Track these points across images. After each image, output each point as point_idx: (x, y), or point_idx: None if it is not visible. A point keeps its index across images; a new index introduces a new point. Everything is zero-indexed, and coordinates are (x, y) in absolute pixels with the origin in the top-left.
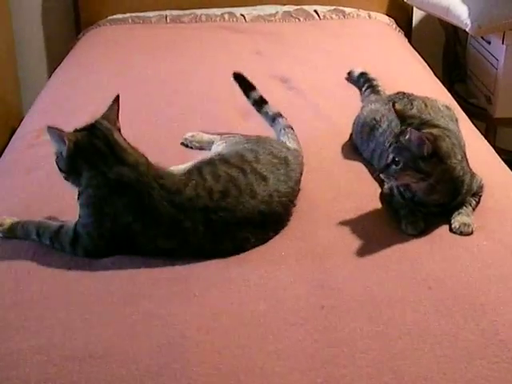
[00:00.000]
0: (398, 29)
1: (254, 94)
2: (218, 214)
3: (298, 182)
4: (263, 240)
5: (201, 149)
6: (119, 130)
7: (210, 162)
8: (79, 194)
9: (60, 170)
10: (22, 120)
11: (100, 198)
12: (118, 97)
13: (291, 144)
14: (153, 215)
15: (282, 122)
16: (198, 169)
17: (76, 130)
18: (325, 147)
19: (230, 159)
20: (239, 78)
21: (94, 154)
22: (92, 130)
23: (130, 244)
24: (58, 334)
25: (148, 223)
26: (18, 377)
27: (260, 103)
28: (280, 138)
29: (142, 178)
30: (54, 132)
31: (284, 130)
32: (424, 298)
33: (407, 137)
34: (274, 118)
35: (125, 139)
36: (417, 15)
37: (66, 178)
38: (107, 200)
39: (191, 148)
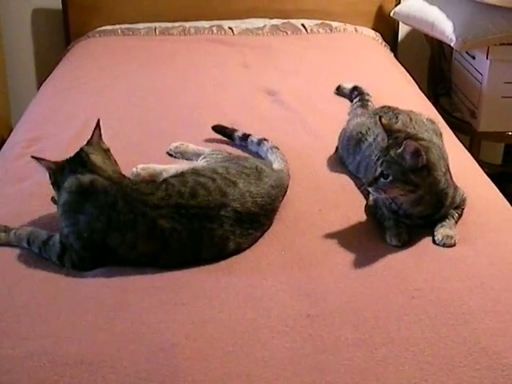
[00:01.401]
0: (384, 43)
1: (237, 134)
2: (190, 212)
3: (275, 188)
4: (244, 238)
5: (186, 159)
6: (107, 151)
7: (178, 175)
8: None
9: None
10: (10, 130)
11: (73, 203)
12: (98, 121)
13: (277, 164)
14: (128, 218)
15: (267, 144)
16: (166, 180)
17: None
18: (311, 160)
19: (201, 172)
20: (219, 129)
21: (69, 171)
22: (73, 156)
23: (113, 253)
24: (50, 341)
25: (124, 227)
26: (9, 382)
27: (245, 138)
28: (268, 159)
29: (115, 184)
30: (38, 161)
31: (270, 150)
32: (407, 308)
33: (401, 148)
34: (259, 143)
35: (109, 158)
36: (402, 30)
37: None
38: (80, 206)
39: (177, 158)
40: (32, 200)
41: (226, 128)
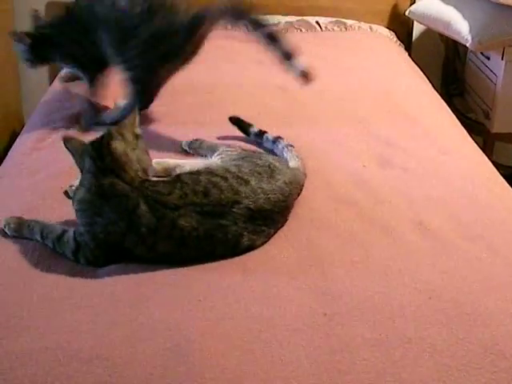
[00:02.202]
0: (399, 42)
1: (253, 130)
2: (204, 209)
3: (289, 185)
4: (257, 235)
5: (200, 155)
6: (138, 136)
7: (192, 173)
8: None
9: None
10: (23, 123)
11: (91, 204)
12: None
13: (293, 162)
14: (150, 221)
15: (282, 142)
16: (179, 176)
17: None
18: (326, 157)
19: (214, 171)
20: (235, 121)
21: (95, 161)
22: (96, 142)
23: (128, 252)
24: (65, 336)
25: (145, 231)
26: (25, 376)
27: (260, 134)
28: (283, 157)
29: (136, 188)
30: (65, 142)
31: (286, 148)
32: (424, 308)
33: None
34: (274, 141)
35: (136, 146)
36: (417, 29)
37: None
38: (98, 208)
39: (191, 154)
40: (45, 193)
41: (242, 121)
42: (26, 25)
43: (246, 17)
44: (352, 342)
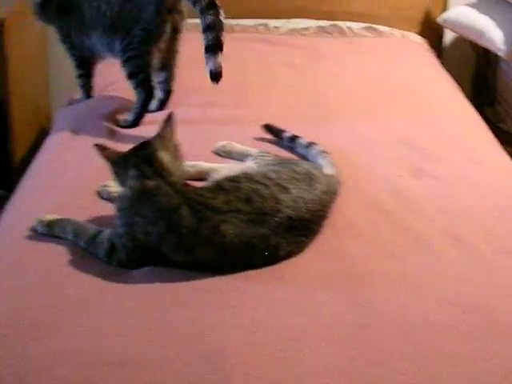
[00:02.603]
0: (430, 49)
1: (286, 134)
2: (247, 217)
3: (326, 194)
4: (295, 245)
5: (232, 158)
6: (177, 146)
7: (233, 179)
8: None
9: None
10: (50, 119)
11: (132, 204)
12: (171, 114)
13: (328, 169)
14: (191, 223)
15: (316, 147)
16: (219, 183)
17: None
18: (360, 165)
19: (254, 177)
20: (268, 128)
21: (132, 165)
22: (138, 148)
23: (164, 256)
24: (96, 338)
25: (185, 232)
26: (56, 378)
27: (293, 139)
28: (317, 163)
29: (178, 191)
30: (99, 151)
31: (320, 154)
32: (459, 322)
33: None
34: (307, 146)
35: (177, 156)
36: (448, 36)
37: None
38: (139, 208)
39: (223, 157)
40: (76, 193)
41: (275, 128)
42: None
43: None
44: (386, 354)
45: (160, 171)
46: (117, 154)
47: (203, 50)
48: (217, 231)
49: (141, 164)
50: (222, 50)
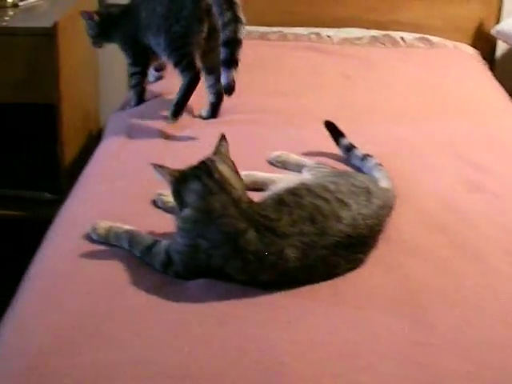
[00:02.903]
0: (483, 61)
1: (344, 141)
2: (311, 239)
3: (383, 209)
4: (353, 263)
5: (287, 169)
6: (233, 163)
7: (294, 193)
8: (180, 217)
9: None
10: (99, 124)
11: (198, 224)
12: (223, 135)
13: (384, 182)
14: (257, 249)
15: (371, 160)
16: (282, 198)
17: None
18: (414, 178)
19: (313, 189)
20: (330, 126)
21: (193, 178)
22: (198, 164)
23: (224, 273)
24: (153, 350)
25: (250, 258)
26: None
27: (350, 148)
28: (372, 175)
29: (245, 211)
30: (158, 170)
31: (375, 167)
32: None
33: None
34: (363, 158)
35: (236, 171)
36: (500, 48)
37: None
38: (204, 229)
39: (276, 167)
40: (130, 201)
41: (337, 129)
42: None
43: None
44: (444, 373)
45: (222, 184)
46: (177, 170)
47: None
48: (281, 256)
49: (203, 176)
50: (237, 65)
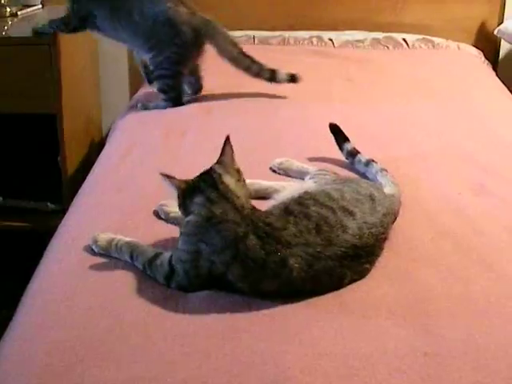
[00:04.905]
0: (486, 61)
1: (348, 146)
2: (316, 249)
3: (387, 216)
4: (359, 274)
5: (290, 176)
6: (239, 171)
7: (299, 202)
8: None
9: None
10: (101, 133)
11: (198, 231)
12: (228, 138)
13: (389, 188)
14: (258, 256)
15: (375, 165)
16: (287, 207)
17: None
18: (421, 183)
19: (319, 199)
20: (334, 129)
21: (198, 191)
22: (203, 175)
23: (226, 284)
24: (158, 366)
25: (252, 264)
26: None
27: (353, 154)
28: (378, 181)
29: (248, 216)
30: (166, 180)
31: (380, 172)
32: None
33: None
34: (367, 163)
35: (241, 179)
36: (504, 48)
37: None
38: (205, 234)
39: (279, 174)
40: (132, 212)
41: (341, 132)
42: (110, 42)
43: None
44: None
45: (226, 194)
46: (184, 181)
47: None
48: (284, 265)
49: (206, 189)
50: None
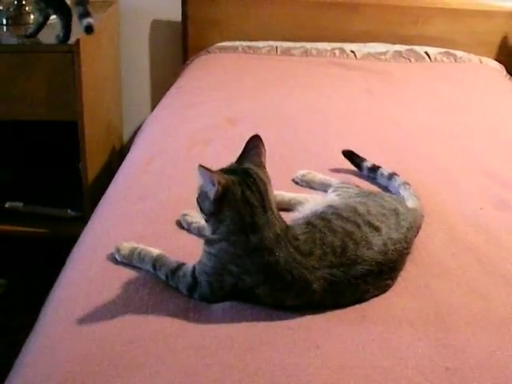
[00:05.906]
0: (508, 76)
1: (366, 164)
2: (340, 270)
3: (411, 230)
4: (381, 289)
5: (312, 188)
6: (267, 177)
7: (324, 217)
8: (210, 241)
9: (200, 209)
10: (122, 140)
11: (232, 257)
12: (259, 137)
13: (411, 202)
14: (285, 280)
15: (398, 179)
16: (312, 223)
17: (223, 171)
18: (442, 197)
19: (343, 213)
20: (348, 155)
21: (244, 206)
22: (245, 177)
23: (251, 296)
24: (179, 377)
25: (278, 287)
26: None
27: (374, 169)
28: (400, 194)
29: (280, 242)
30: (205, 172)
31: (403, 186)
32: None
33: None
34: (390, 177)
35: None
36: None
37: (206, 220)
38: (238, 260)
39: (301, 186)
40: (155, 222)
41: (356, 155)
42: (130, 40)
43: None
44: None
45: (269, 217)
46: (225, 178)
47: None
48: (307, 289)
49: (247, 194)
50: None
